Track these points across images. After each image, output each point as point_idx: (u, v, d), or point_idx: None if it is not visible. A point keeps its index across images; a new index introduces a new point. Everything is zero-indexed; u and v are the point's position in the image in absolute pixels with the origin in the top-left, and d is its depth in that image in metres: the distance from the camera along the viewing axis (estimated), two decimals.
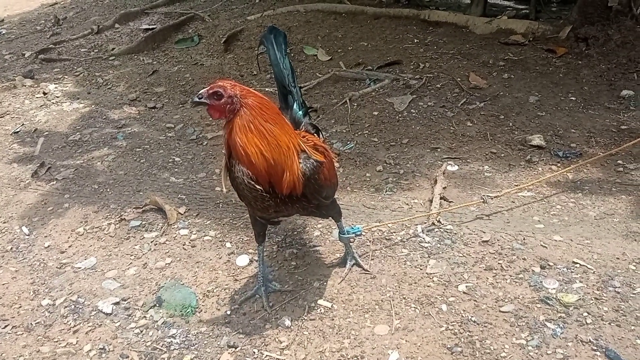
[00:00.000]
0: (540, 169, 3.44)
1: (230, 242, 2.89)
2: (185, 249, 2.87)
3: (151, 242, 2.94)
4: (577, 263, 2.51)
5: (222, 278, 2.64)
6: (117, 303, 2.52)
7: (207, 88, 2.04)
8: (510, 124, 3.98)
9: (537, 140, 3.66)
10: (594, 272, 2.45)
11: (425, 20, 5.95)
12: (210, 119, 4.29)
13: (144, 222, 3.10)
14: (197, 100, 2.05)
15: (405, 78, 4.70)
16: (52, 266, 2.81)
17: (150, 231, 3.03)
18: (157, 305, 2.49)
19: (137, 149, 3.96)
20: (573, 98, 4.29)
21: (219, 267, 2.72)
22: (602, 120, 3.93)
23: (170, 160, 3.79)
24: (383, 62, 5.05)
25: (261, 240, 2.46)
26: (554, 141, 3.71)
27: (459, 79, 4.64)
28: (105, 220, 3.13)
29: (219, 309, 2.45)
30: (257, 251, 2.54)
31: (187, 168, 3.69)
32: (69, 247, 2.94)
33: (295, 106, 2.40)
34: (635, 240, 2.68)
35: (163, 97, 4.87)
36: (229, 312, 2.43)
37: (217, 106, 2.03)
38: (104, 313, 2.47)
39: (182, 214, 3.16)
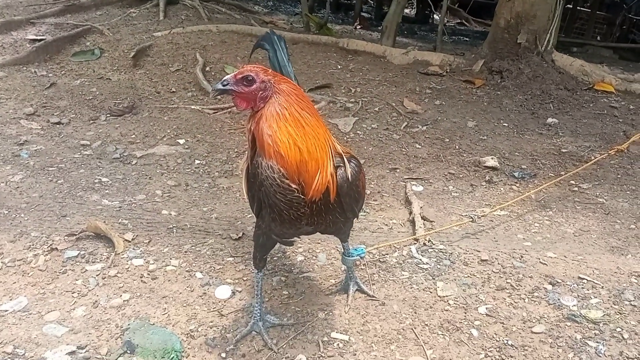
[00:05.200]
0: (502, 188, 3.42)
1: (201, 272, 2.42)
2: (144, 282, 2.35)
3: (97, 275, 2.37)
4: (583, 279, 2.44)
5: (202, 314, 2.17)
6: (72, 352, 1.93)
7: (235, 73, 1.67)
8: (457, 147, 3.96)
9: (491, 161, 3.66)
10: (602, 287, 2.39)
11: (343, 48, 5.91)
12: (140, 133, 3.81)
13: (82, 252, 2.50)
14: (222, 87, 1.66)
15: (341, 101, 4.55)
16: None
17: (93, 262, 2.45)
18: (129, 351, 1.95)
19: (50, 168, 3.30)
20: (505, 124, 4.42)
21: (194, 301, 2.25)
22: (540, 145, 4.06)
23: (96, 181, 3.19)
24: (313, 85, 4.86)
25: (262, 266, 2.05)
26: (505, 163, 3.75)
27: (394, 104, 4.59)
28: (29, 252, 2.48)
29: (210, 352, 1.98)
30: (254, 279, 2.13)
31: (120, 189, 3.13)
32: None
33: None
34: (622, 254, 2.70)
35: (68, 111, 4.20)
36: (224, 355, 1.97)
37: (247, 93, 1.66)
38: None
39: (129, 241, 2.61)
